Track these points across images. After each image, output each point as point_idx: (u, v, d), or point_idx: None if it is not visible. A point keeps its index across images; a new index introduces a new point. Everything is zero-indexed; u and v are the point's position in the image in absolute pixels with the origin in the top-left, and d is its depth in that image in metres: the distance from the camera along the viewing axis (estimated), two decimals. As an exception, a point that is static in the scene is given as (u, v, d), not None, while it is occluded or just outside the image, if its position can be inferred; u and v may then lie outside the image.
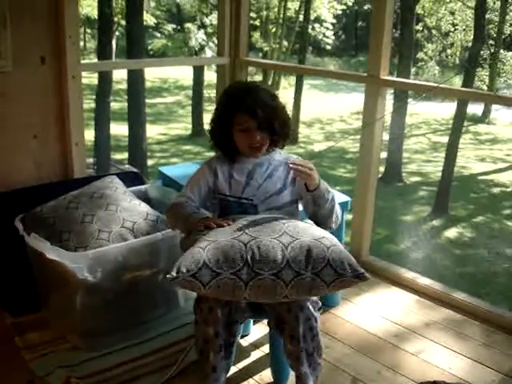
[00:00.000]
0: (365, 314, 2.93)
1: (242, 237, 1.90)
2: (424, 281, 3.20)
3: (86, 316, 2.44)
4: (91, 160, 11.33)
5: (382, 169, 12.83)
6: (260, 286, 1.83)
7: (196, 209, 2.18)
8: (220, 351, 2.01)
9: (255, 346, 2.62)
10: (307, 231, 1.96)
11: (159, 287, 2.62)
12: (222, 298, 1.91)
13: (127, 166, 12.20)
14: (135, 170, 7.87)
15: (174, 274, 1.82)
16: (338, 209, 2.21)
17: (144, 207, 2.73)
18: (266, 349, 2.55)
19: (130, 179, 3.10)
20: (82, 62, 3.15)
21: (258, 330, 2.71)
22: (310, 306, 1.99)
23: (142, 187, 3.09)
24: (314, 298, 2.03)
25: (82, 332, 2.51)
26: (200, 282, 1.81)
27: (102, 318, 2.47)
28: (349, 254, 1.94)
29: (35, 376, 2.31)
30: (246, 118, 2.11)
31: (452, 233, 11.14)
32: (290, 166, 1.99)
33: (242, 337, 2.64)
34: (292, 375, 2.33)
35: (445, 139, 14.15)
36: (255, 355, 2.55)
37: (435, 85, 3.11)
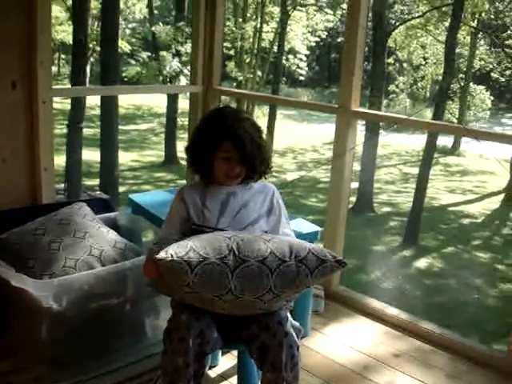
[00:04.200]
0: (334, 344, 2.92)
1: (225, 234, 1.97)
2: (392, 311, 3.20)
3: (51, 345, 2.39)
4: (62, 185, 11.22)
5: (353, 199, 12.93)
6: (246, 275, 1.84)
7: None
8: (189, 382, 1.96)
9: (223, 377, 2.58)
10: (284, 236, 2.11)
11: (126, 316, 2.58)
12: (205, 291, 1.86)
13: (98, 192, 12.10)
14: (105, 196, 7.80)
15: (162, 254, 1.81)
16: None
17: (112, 235, 2.70)
18: (234, 380, 2.52)
19: (99, 206, 3.07)
20: (54, 87, 3.13)
21: (227, 360, 2.68)
22: (294, 334, 1.97)
23: (112, 214, 3.06)
24: (297, 325, 2.02)
25: (47, 361, 2.45)
26: (188, 265, 1.80)
27: (68, 347, 2.42)
28: None
29: (-4, 407, 2.26)
30: (231, 148, 2.08)
31: (422, 263, 11.23)
32: None
33: (211, 367, 2.60)
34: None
35: (415, 170, 14.35)
36: (223, 386, 2.53)
37: (405, 117, 3.15)
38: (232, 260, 1.85)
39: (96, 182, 13.25)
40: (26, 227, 2.60)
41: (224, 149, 2.10)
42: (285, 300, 2.00)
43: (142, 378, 2.47)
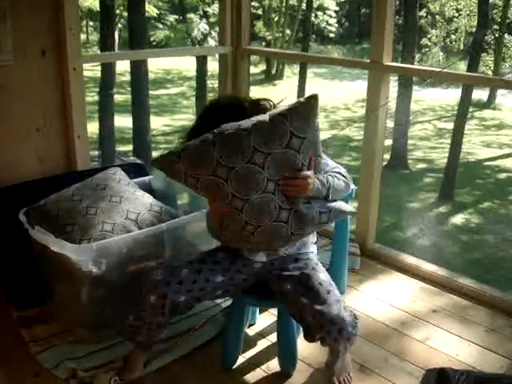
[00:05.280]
0: (371, 301, 2.93)
1: None
2: (429, 267, 3.19)
3: (91, 308, 2.45)
4: (96, 153, 11.32)
5: (387, 156, 12.80)
6: (264, 129, 1.99)
7: None
8: None
9: (261, 335, 2.61)
10: None
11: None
12: (231, 155, 1.94)
13: (132, 158, 12.18)
14: (139, 161, 7.85)
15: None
16: (340, 182, 2.24)
17: (148, 198, 2.72)
18: (272, 338, 2.55)
19: (133, 171, 3.09)
20: (84, 53, 3.14)
21: (265, 319, 2.71)
22: (350, 328, 2.01)
23: (146, 178, 3.09)
24: (351, 316, 2.05)
25: (88, 324, 2.51)
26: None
27: (108, 309, 2.47)
28: None
29: (42, 368, 2.32)
30: None
31: (458, 219, 11.11)
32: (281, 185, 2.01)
33: (249, 326, 2.64)
34: (299, 364, 2.34)
35: (450, 125, 14.09)
36: (262, 344, 2.55)
37: (439, 70, 3.08)
38: (249, 125, 1.98)
39: (129, 147, 13.32)
40: (63, 194, 2.63)
41: None
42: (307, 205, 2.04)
43: (179, 338, 2.52)
